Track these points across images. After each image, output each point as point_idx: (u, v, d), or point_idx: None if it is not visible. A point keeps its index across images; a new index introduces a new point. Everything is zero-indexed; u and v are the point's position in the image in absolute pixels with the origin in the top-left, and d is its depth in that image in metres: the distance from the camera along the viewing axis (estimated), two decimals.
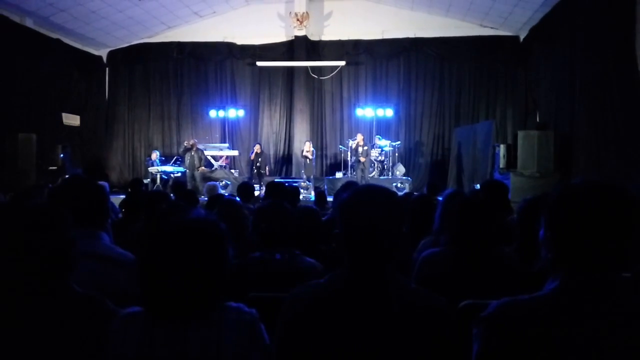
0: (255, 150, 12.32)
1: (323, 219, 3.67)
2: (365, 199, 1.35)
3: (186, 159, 11.75)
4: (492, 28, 12.72)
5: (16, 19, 11.14)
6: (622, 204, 1.11)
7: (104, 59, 14.44)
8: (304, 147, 12.24)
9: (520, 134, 9.50)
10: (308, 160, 12.00)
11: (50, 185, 6.69)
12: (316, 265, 2.29)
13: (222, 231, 1.35)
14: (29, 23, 11.47)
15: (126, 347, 1.29)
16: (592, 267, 1.12)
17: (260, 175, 12.01)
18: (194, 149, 11.73)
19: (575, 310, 1.10)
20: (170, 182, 11.59)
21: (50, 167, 10.93)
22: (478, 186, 10.54)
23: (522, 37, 12.39)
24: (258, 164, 12.18)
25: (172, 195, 4.81)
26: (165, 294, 1.26)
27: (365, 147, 11.55)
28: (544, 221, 1.20)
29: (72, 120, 13.13)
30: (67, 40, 12.80)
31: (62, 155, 11.46)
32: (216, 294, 1.31)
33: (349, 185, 3.65)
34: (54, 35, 12.32)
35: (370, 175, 11.97)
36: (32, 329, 1.33)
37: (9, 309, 1.35)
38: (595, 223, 1.10)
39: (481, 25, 12.73)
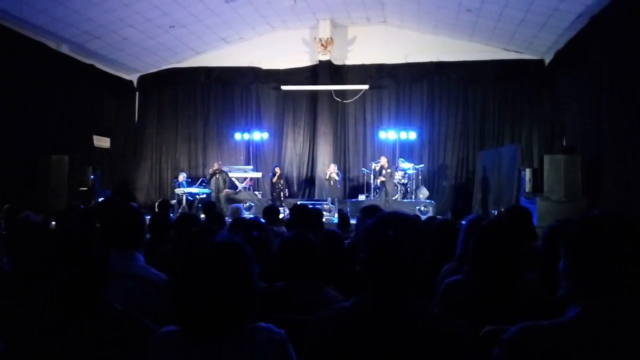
0: (276, 173, 12.47)
1: (346, 242, 3.71)
2: (390, 225, 1.39)
3: (212, 181, 12.01)
4: (516, 52, 12.71)
5: (53, 45, 11.67)
6: (638, 234, 1.16)
7: (135, 83, 14.94)
8: (329, 170, 12.34)
9: (546, 158, 9.39)
10: (332, 182, 12.06)
11: (83, 206, 6.90)
12: (338, 298, 2.29)
13: (248, 253, 1.44)
14: (64, 49, 11.99)
15: None
16: (613, 294, 1.16)
17: (280, 197, 12.13)
18: (219, 171, 11.99)
19: (597, 337, 1.13)
20: (196, 203, 11.83)
21: (81, 188, 11.24)
22: (495, 212, 10.43)
23: (547, 61, 12.34)
24: (280, 186, 12.32)
25: (203, 215, 4.91)
26: (199, 314, 1.34)
27: (389, 170, 11.57)
28: (564, 252, 1.24)
29: (102, 142, 13.56)
30: (100, 66, 13.31)
31: (92, 176, 11.80)
32: (247, 313, 1.38)
33: (371, 209, 3.68)
34: (88, 61, 12.83)
35: (394, 198, 11.93)
36: (75, 344, 1.41)
37: (51, 325, 1.43)
38: (614, 253, 1.15)
39: (505, 49, 12.74)
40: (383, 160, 11.68)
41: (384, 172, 11.50)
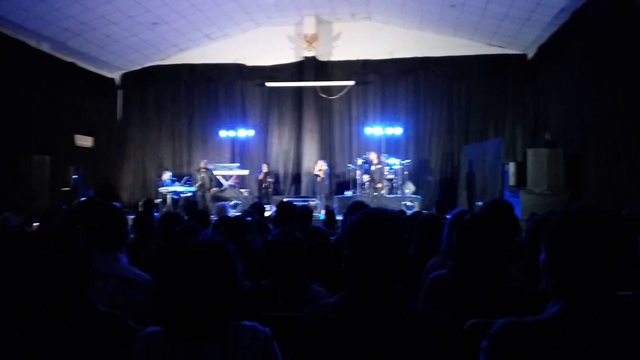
0: (263, 170, 12.44)
1: (332, 238, 3.71)
2: (374, 222, 1.40)
3: (197, 180, 11.91)
4: (500, 47, 12.82)
5: (32, 43, 11.45)
6: (619, 229, 1.16)
7: (117, 81, 14.74)
8: (316, 166, 12.33)
9: (530, 151, 9.50)
10: (319, 178, 12.07)
11: (64, 206, 6.81)
12: (323, 294, 2.30)
13: (230, 252, 1.43)
14: (45, 47, 11.78)
15: None
16: (594, 290, 1.15)
17: (268, 195, 12.11)
18: (204, 169, 11.90)
19: (578, 334, 1.13)
20: (181, 202, 11.73)
21: (63, 188, 11.08)
22: (480, 204, 10.53)
23: (530, 56, 12.47)
24: (266, 183, 12.30)
25: (185, 215, 4.88)
26: (182, 314, 1.33)
27: (379, 166, 11.55)
28: (544, 247, 1.24)
29: (84, 141, 13.36)
30: (81, 64, 13.11)
31: (74, 176, 11.64)
32: (231, 312, 1.37)
33: (357, 206, 3.68)
34: (69, 59, 12.62)
35: (381, 193, 11.94)
36: (59, 347, 1.39)
37: (34, 329, 1.41)
38: (596, 249, 1.14)
39: (489, 44, 12.83)
40: (372, 155, 11.67)
41: (373, 167, 11.51)
